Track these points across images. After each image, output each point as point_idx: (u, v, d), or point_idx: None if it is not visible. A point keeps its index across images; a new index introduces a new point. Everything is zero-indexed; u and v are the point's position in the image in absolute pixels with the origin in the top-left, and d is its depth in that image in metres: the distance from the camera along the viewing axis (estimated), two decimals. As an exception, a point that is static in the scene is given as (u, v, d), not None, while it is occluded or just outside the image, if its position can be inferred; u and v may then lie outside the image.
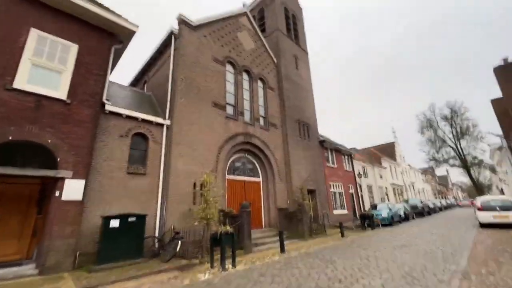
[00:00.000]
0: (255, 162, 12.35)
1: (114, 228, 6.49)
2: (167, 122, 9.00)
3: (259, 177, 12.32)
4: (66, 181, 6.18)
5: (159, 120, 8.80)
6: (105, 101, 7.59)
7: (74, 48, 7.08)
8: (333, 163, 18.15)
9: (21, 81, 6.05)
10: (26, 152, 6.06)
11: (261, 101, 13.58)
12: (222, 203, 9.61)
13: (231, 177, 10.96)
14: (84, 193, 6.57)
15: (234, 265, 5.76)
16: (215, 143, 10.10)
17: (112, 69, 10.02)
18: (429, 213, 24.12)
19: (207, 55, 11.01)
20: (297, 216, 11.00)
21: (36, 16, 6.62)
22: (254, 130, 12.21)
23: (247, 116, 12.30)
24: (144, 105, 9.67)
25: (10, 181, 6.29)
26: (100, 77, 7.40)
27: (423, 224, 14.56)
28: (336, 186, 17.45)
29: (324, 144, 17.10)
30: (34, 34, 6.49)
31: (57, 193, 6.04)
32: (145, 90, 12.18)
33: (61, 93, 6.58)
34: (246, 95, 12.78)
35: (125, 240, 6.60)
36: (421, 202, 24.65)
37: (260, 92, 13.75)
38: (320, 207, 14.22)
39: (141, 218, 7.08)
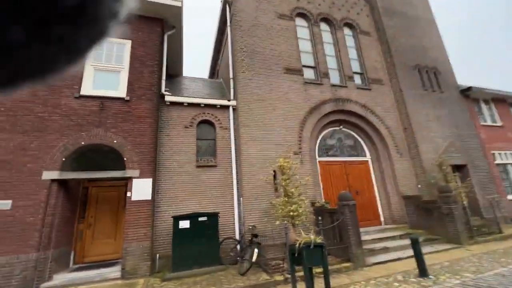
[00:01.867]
0: (357, 136, 9.10)
1: (185, 230, 5.64)
2: (232, 103, 7.61)
3: (365, 155, 9.00)
4: (134, 180, 5.84)
5: (222, 102, 7.55)
6: (164, 92, 7.02)
7: (128, 44, 6.83)
8: (493, 120, 11.54)
9: (87, 87, 6.17)
10: (103, 155, 6.16)
11: (352, 53, 10.00)
12: (316, 195, 7.30)
13: (324, 159, 8.37)
14: (154, 191, 6.13)
15: (329, 301, 3.45)
16: (294, 118, 7.86)
17: (177, 61, 9.79)
18: None
19: (269, 13, 8.86)
20: (439, 207, 7.03)
21: (92, 23, 6.71)
22: (348, 92, 8.97)
23: (334, 77, 9.22)
24: (213, 92, 8.76)
25: (97, 185, 6.69)
26: (154, 67, 6.86)
27: None
28: (506, 156, 10.95)
29: (470, 93, 11.05)
30: (92, 41, 6.58)
31: (128, 194, 5.79)
32: (218, 78, 11.53)
33: (121, 91, 6.38)
34: (329, 50, 9.64)
35: (199, 244, 5.63)
36: None
37: (350, 42, 10.15)
38: (480, 191, 9.02)
39: (213, 217, 5.96)
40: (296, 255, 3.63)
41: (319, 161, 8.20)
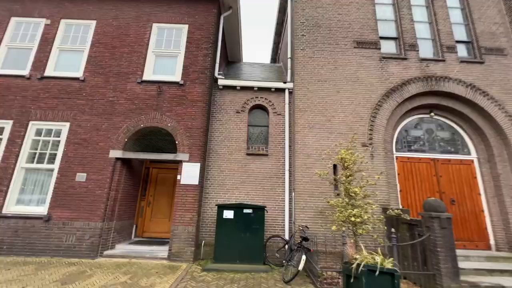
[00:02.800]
0: (456, 126, 6.80)
1: (228, 220, 5.28)
2: (289, 85, 6.73)
3: (468, 153, 6.64)
4: (184, 164, 5.81)
5: (277, 84, 6.77)
6: (218, 76, 6.76)
7: (185, 29, 6.84)
8: None
9: (148, 73, 6.47)
10: (160, 138, 6.40)
11: (455, 16, 7.46)
12: (389, 199, 5.78)
13: (405, 154, 6.57)
14: (203, 177, 6.00)
15: None
16: (364, 102, 6.38)
17: (236, 47, 9.50)
18: None
19: (338, -22, 7.42)
20: None
21: (156, 11, 6.98)
22: (446, 68, 6.72)
23: (425, 48, 7.06)
24: (270, 76, 8.07)
25: (157, 166, 7.06)
26: (209, 50, 6.65)
27: None
28: None
29: None
30: (154, 29, 6.85)
31: (178, 177, 5.81)
32: (278, 62, 10.76)
33: (176, 75, 6.45)
34: (420, 15, 7.45)
35: (242, 237, 5.18)
36: None
37: (452, 1, 7.60)
38: None
39: (259, 211, 5.38)
40: (352, 279, 2.62)
41: (397, 157, 6.48)
